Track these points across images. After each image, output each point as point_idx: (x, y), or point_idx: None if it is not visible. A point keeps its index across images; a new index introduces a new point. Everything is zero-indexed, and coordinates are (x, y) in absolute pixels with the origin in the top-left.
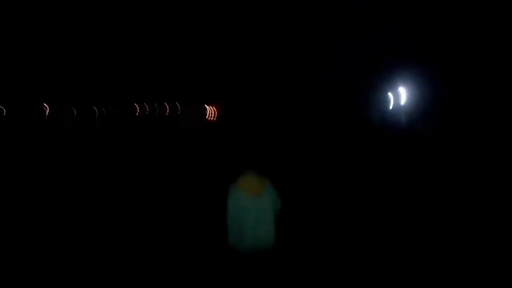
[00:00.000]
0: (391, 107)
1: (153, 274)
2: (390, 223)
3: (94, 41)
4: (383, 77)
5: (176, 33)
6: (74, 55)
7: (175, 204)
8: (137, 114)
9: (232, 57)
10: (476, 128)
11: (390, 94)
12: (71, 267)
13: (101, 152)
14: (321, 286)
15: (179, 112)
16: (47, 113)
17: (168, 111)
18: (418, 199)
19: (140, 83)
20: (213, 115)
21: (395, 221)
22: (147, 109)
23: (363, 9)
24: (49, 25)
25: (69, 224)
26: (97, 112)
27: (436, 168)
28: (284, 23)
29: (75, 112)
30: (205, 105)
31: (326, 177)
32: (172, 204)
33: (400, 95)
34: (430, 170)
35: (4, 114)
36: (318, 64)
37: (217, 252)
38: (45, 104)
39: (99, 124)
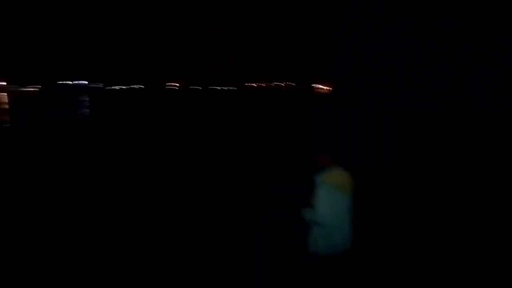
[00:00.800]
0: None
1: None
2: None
3: (94, 41)
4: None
5: (176, 33)
6: (74, 55)
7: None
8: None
9: (232, 57)
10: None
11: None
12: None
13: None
14: None
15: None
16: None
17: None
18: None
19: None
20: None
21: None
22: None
23: (363, 9)
24: (49, 25)
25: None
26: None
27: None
28: (284, 23)
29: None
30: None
31: None
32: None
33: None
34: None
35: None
36: (318, 64)
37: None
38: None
39: None
